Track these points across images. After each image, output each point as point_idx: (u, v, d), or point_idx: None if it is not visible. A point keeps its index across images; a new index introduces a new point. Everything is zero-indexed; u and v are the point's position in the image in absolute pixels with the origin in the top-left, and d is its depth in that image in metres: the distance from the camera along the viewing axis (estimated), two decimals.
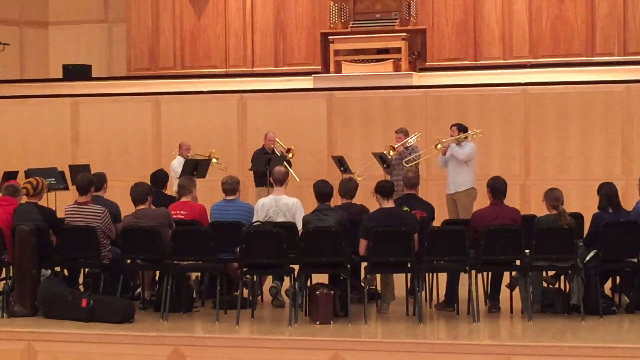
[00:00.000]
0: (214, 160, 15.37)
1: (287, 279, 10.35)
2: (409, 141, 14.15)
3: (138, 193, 10.52)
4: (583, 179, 15.46)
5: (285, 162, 14.55)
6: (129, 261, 10.49)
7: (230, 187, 10.88)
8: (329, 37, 17.87)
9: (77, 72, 18.91)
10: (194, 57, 18.82)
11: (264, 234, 10.03)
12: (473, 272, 9.92)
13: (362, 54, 17.80)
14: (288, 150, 15.34)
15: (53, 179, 14.68)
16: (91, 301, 9.99)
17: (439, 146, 13.59)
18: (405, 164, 13.36)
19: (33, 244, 10.24)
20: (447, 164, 13.65)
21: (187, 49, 18.86)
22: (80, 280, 11.02)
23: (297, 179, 14.58)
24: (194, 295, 10.79)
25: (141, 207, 10.49)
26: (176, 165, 15.07)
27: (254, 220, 10.58)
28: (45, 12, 20.54)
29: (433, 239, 9.87)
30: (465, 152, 13.45)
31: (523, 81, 16.41)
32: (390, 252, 9.84)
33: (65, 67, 19.06)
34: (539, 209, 10.76)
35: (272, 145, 15.33)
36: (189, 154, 15.40)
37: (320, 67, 18.04)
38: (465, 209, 13.10)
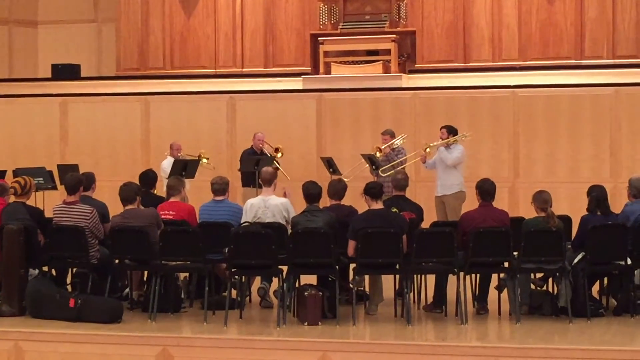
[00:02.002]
0: (204, 160, 15.34)
1: (275, 280, 10.35)
2: (395, 143, 14.16)
3: (127, 193, 10.50)
4: (572, 181, 15.49)
5: (274, 163, 14.58)
6: (117, 261, 10.48)
7: (220, 187, 10.88)
8: (319, 38, 17.86)
9: (66, 72, 18.86)
10: (183, 58, 18.80)
11: (252, 234, 10.03)
12: (461, 273, 9.93)
13: (352, 55, 17.79)
14: (276, 150, 15.33)
15: (41, 179, 14.63)
16: (79, 301, 9.97)
17: (427, 150, 13.59)
18: (381, 173, 13.34)
19: (21, 244, 10.22)
20: (436, 165, 13.65)
21: (176, 49, 18.84)
22: (68, 280, 11.01)
23: (288, 177, 14.59)
24: (182, 296, 10.77)
25: (130, 207, 10.47)
26: (166, 165, 15.05)
27: (242, 220, 10.58)
28: (34, 11, 20.49)
29: (422, 240, 9.88)
30: (454, 156, 13.43)
31: (512, 84, 16.44)
32: (378, 253, 9.84)
33: (54, 67, 19.01)
34: (528, 211, 10.78)
35: (260, 146, 15.33)
36: (179, 154, 15.37)
37: (309, 68, 18.04)
38: (454, 211, 13.11)
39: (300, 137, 16.84)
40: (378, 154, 14.05)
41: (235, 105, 17.37)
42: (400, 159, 13.94)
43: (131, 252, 10.29)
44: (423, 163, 13.84)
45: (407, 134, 14.92)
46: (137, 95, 17.82)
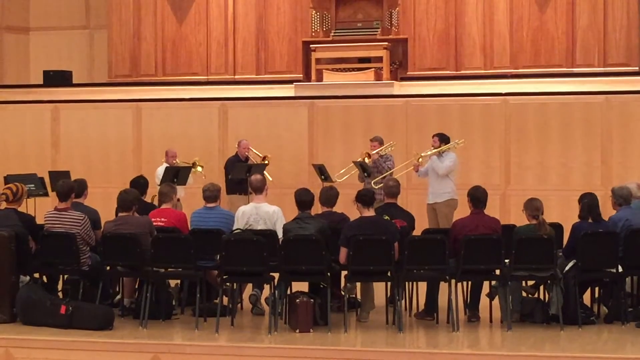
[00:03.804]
0: (198, 168, 15.31)
1: (267, 287, 10.35)
2: (384, 150, 14.14)
3: (123, 201, 10.48)
4: (563, 189, 15.52)
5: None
6: (108, 268, 10.46)
7: (212, 194, 10.87)
8: (311, 45, 17.86)
9: (57, 78, 18.81)
10: (175, 64, 18.77)
11: (244, 241, 10.03)
12: (453, 281, 9.95)
13: (344, 62, 17.79)
14: (264, 158, 15.34)
15: (33, 185, 14.60)
16: (70, 308, 9.96)
17: (420, 159, 13.59)
18: (374, 185, 13.34)
19: (12, 250, 10.20)
20: (428, 173, 13.65)
21: (168, 56, 18.81)
22: (60, 286, 10.99)
23: (270, 178, 14.58)
24: (174, 303, 10.76)
25: (124, 214, 10.45)
26: (160, 172, 15.01)
27: (234, 227, 10.57)
28: (26, 18, 20.45)
29: (413, 248, 9.89)
30: (445, 165, 13.38)
31: (504, 91, 16.46)
32: (370, 260, 9.85)
33: (46, 73, 18.96)
34: (519, 219, 10.79)
35: (246, 153, 15.33)
36: (175, 161, 15.35)
37: (301, 75, 18.03)
38: (446, 219, 13.11)
39: (291, 144, 16.84)
40: (367, 160, 14.07)
41: (227, 112, 17.37)
42: (389, 167, 13.92)
43: (123, 259, 10.28)
44: (416, 172, 13.83)
45: (399, 141, 14.92)
46: (128, 102, 17.80)
